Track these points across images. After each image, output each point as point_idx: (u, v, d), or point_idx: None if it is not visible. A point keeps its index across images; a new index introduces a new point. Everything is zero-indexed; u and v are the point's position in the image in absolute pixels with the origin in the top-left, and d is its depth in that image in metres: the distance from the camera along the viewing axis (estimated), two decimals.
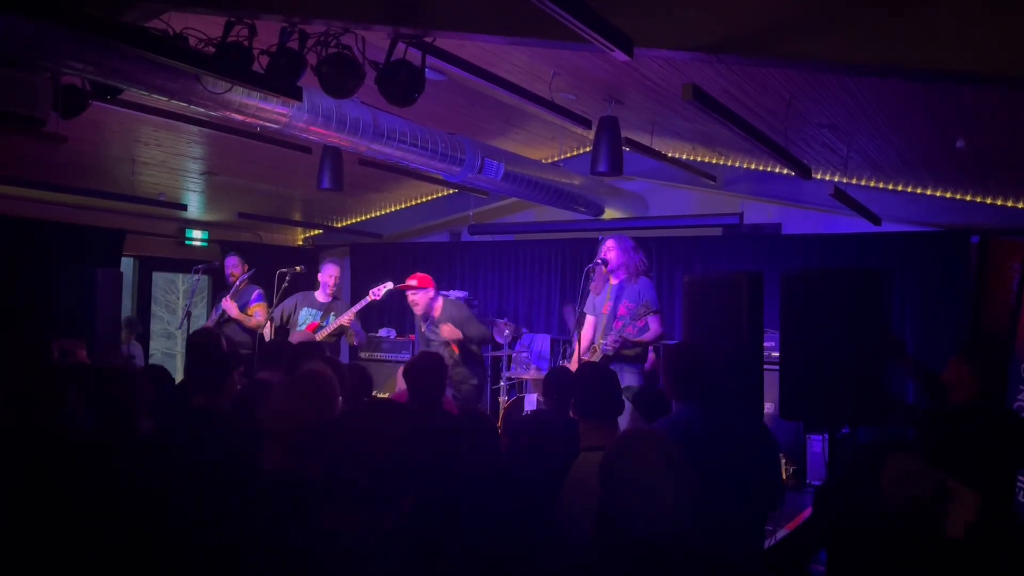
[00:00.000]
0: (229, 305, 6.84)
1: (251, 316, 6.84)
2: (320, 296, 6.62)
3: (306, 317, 6.49)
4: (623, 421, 3.39)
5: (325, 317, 6.49)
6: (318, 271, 6.81)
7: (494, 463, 2.71)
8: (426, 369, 3.67)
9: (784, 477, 6.34)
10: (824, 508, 2.62)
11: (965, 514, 2.24)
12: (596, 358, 5.49)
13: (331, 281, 6.64)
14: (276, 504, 2.07)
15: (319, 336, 6.30)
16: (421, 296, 6.09)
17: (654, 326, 5.55)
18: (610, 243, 5.76)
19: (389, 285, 6.45)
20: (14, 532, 2.28)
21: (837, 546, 2.48)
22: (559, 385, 3.86)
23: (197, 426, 2.87)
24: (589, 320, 5.83)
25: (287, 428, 2.27)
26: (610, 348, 5.41)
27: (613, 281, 5.73)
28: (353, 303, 6.75)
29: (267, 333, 6.58)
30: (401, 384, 4.20)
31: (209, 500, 2.38)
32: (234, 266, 7.11)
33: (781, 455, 6.39)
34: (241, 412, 3.13)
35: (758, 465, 3.03)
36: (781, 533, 4.62)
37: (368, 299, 6.45)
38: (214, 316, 7.03)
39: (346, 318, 6.38)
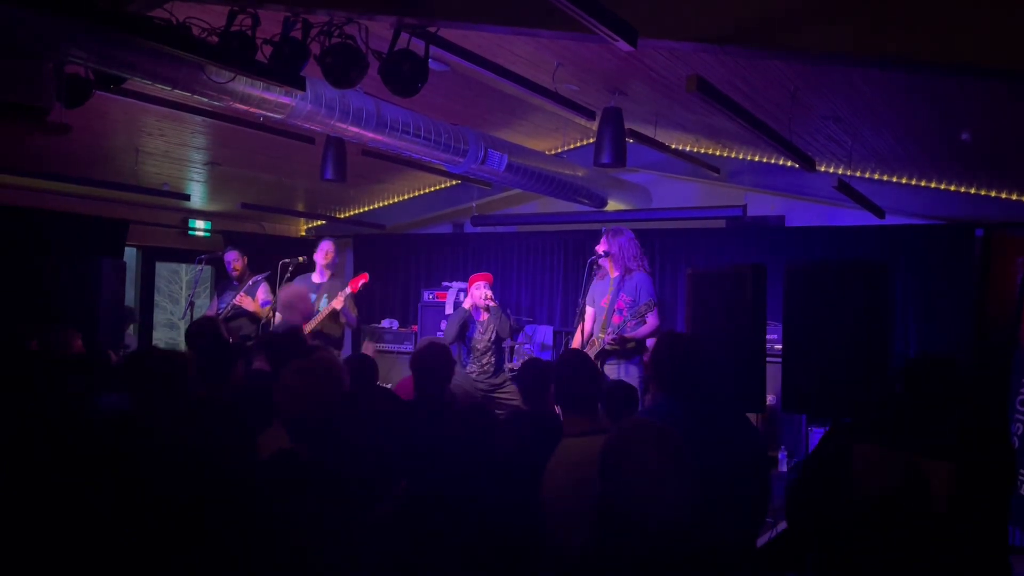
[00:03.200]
0: (246, 300, 6.82)
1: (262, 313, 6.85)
2: (315, 277, 6.56)
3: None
4: None
5: (319, 300, 6.42)
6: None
7: (493, 453, 2.71)
8: (431, 359, 3.67)
9: (785, 469, 6.35)
10: (800, 505, 2.63)
11: (945, 488, 2.26)
12: (595, 350, 5.55)
13: (322, 258, 6.54)
14: (275, 492, 2.08)
15: (314, 322, 6.21)
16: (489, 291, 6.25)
17: (651, 319, 5.58)
18: (610, 235, 5.80)
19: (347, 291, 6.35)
20: (24, 517, 2.29)
21: (822, 542, 2.49)
22: (535, 380, 3.81)
23: (199, 415, 2.88)
24: (589, 312, 5.86)
25: (298, 410, 2.31)
26: (608, 344, 5.48)
27: (613, 274, 5.76)
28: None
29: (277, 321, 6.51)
30: (401, 376, 4.21)
31: (209, 488, 2.39)
32: (235, 259, 7.10)
33: (782, 447, 6.41)
34: (242, 401, 3.14)
35: (743, 462, 2.99)
36: (782, 526, 4.62)
37: (348, 290, 6.38)
38: (218, 309, 7.01)
39: (338, 302, 6.30)
